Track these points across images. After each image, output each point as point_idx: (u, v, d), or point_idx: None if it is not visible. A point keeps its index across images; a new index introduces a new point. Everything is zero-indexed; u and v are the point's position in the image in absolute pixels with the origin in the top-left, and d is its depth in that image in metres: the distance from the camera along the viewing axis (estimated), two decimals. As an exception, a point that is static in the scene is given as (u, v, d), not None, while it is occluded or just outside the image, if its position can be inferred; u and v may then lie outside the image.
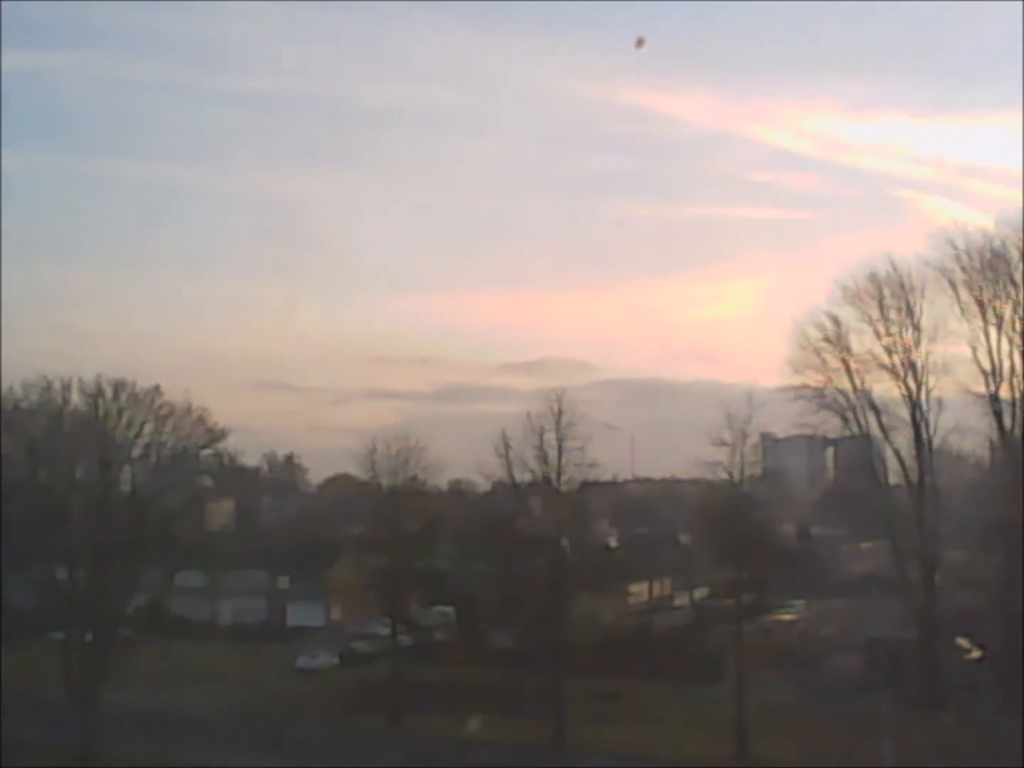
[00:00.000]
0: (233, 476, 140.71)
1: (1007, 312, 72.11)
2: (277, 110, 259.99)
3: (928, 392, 73.16)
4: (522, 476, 69.77)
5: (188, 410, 63.55)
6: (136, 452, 63.48)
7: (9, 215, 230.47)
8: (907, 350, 73.31)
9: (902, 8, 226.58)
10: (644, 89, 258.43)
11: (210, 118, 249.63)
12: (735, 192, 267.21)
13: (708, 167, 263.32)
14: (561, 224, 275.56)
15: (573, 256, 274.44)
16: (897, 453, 74.77)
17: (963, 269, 72.57)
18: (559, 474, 66.82)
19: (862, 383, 74.88)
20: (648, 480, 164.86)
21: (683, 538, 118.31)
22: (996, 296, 72.32)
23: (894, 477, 76.69)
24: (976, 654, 74.18)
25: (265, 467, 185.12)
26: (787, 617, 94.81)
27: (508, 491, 75.26)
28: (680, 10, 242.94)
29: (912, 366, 73.13)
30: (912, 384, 73.18)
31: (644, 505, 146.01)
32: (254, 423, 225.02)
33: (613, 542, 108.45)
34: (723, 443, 62.55)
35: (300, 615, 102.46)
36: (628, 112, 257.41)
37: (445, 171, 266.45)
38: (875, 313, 73.78)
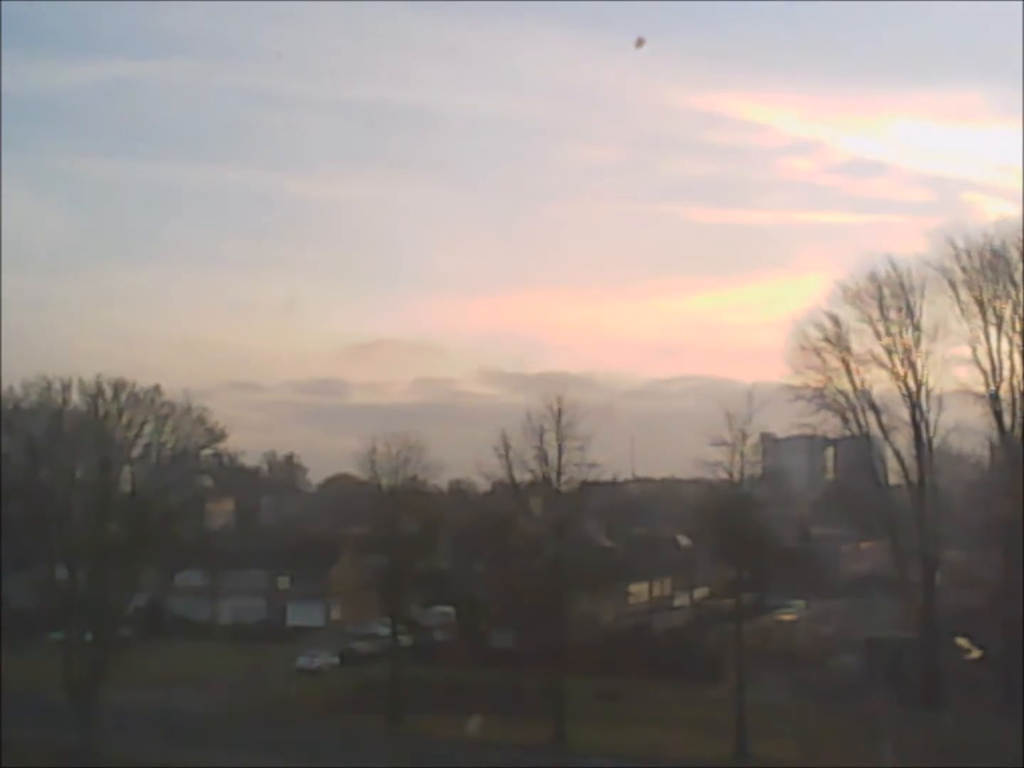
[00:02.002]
0: (233, 476, 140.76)
1: (1007, 312, 72.13)
2: (361, 117, 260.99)
3: (928, 392, 73.21)
4: (522, 476, 69.87)
5: (188, 410, 63.59)
6: (136, 452, 63.46)
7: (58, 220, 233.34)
8: (907, 350, 73.27)
9: (980, 13, 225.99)
10: (732, 95, 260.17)
11: (293, 125, 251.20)
12: (807, 197, 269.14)
13: (784, 173, 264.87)
14: (615, 227, 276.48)
15: (598, 259, 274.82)
16: (897, 453, 74.78)
17: (963, 269, 72.59)
18: (559, 474, 66.87)
19: (862, 383, 74.91)
20: (648, 480, 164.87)
21: (683, 538, 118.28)
22: (996, 296, 72.31)
23: (894, 477, 76.71)
24: (976, 654, 74.18)
25: (265, 467, 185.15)
26: (787, 617, 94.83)
27: (508, 491, 75.21)
28: (771, 16, 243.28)
29: (912, 366, 73.10)
30: (912, 384, 73.17)
31: (644, 505, 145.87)
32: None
33: (612, 542, 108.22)
34: (723, 443, 62.66)
35: (300, 615, 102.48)
36: (713, 119, 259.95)
37: (523, 176, 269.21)
38: (875, 313, 73.77)
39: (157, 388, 63.45)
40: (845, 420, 75.72)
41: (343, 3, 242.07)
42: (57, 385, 62.91)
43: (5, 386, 65.43)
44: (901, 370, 73.38)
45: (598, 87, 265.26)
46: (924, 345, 72.93)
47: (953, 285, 72.60)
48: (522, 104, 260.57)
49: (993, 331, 72.24)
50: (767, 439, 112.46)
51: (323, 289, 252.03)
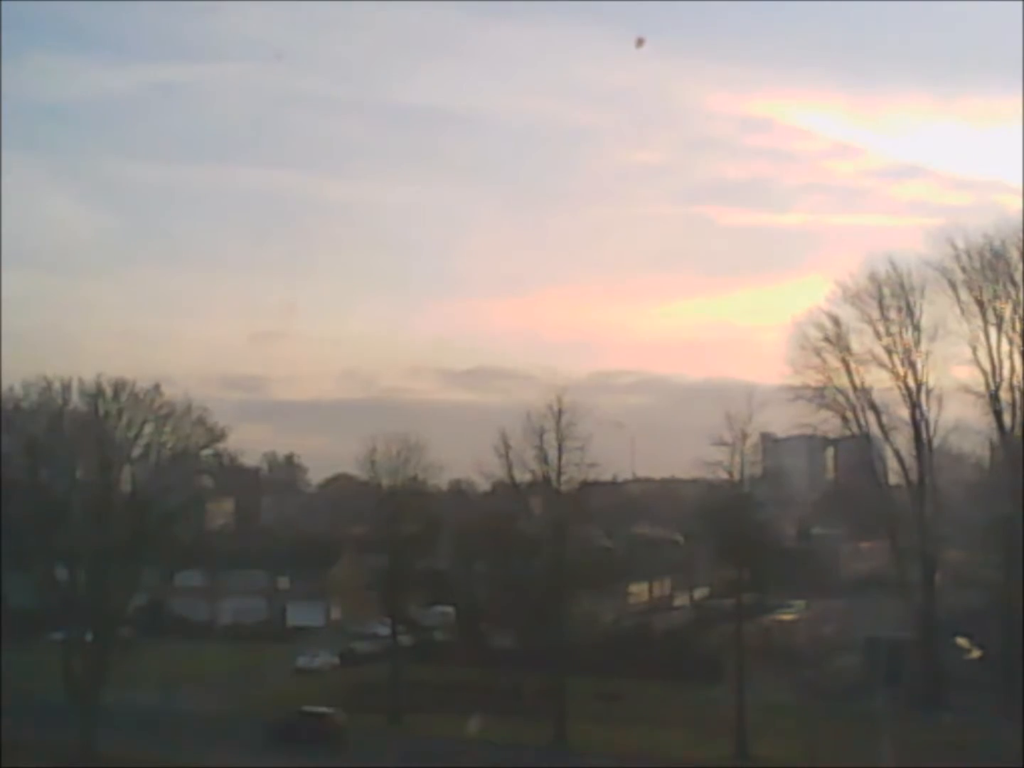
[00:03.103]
0: (233, 476, 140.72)
1: (1007, 312, 72.14)
2: (406, 122, 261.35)
3: (928, 392, 73.25)
4: (522, 476, 69.90)
5: (188, 410, 63.54)
6: (136, 452, 63.41)
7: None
8: (907, 350, 73.33)
9: (1017, 15, 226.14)
10: (776, 99, 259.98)
11: (335, 128, 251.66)
12: (840, 200, 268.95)
13: (817, 176, 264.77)
14: (641, 230, 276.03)
15: (614, 261, 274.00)
16: (897, 453, 74.83)
17: (963, 269, 72.58)
18: (559, 474, 66.90)
19: (862, 383, 74.93)
20: (648, 480, 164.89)
21: (683, 538, 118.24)
22: (996, 296, 72.33)
23: (894, 477, 76.78)
24: (976, 654, 74.19)
25: (265, 467, 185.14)
26: (787, 617, 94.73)
27: (508, 491, 75.23)
28: (807, 19, 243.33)
29: (912, 366, 73.16)
30: (912, 384, 73.22)
31: (644, 505, 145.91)
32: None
33: (612, 542, 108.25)
34: (723, 443, 62.72)
35: (300, 615, 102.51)
36: (750, 123, 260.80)
37: (549, 180, 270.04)
38: (875, 313, 73.82)
39: (157, 388, 63.50)
40: (845, 420, 75.78)
41: (378, 4, 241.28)
42: (57, 385, 63.06)
43: (5, 386, 65.59)
44: (901, 370, 73.50)
45: (635, 90, 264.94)
46: (924, 345, 73.11)
47: (953, 285, 72.65)
48: (557, 107, 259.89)
49: (993, 331, 72.33)
50: (767, 439, 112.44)
51: (343, 290, 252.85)
